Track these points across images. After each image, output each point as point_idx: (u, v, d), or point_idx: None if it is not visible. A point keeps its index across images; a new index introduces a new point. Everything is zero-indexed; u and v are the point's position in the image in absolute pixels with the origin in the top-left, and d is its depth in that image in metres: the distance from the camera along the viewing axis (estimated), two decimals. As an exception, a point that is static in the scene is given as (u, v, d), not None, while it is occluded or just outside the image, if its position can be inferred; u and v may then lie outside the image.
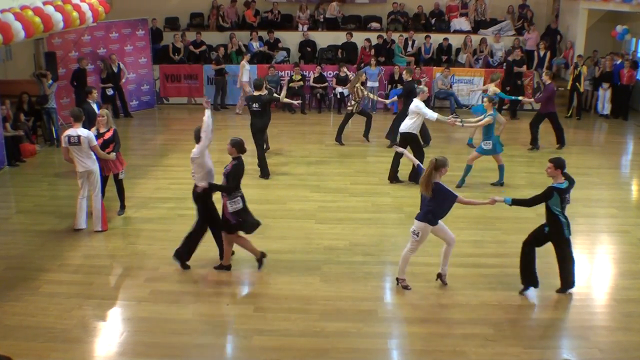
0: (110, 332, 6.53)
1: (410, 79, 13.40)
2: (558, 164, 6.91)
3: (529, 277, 7.18)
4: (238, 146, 7.43)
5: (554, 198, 6.84)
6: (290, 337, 6.41)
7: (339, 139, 13.72)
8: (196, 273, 7.80)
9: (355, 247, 8.54)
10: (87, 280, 7.59)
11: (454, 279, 7.60)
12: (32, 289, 7.30)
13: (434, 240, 8.77)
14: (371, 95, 14.56)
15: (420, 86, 11.57)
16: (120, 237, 8.92)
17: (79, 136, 8.64)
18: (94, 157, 8.85)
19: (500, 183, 11.07)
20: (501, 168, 11.05)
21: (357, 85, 13.36)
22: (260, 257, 7.81)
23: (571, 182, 6.97)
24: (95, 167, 8.87)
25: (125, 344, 6.29)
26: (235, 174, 7.37)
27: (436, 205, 6.98)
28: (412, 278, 7.65)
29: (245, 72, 16.39)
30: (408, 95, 12.74)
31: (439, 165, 6.94)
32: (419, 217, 7.11)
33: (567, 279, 7.17)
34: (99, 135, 9.01)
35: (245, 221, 7.52)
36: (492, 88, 13.47)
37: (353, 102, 13.45)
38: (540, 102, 13.49)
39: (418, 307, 7.00)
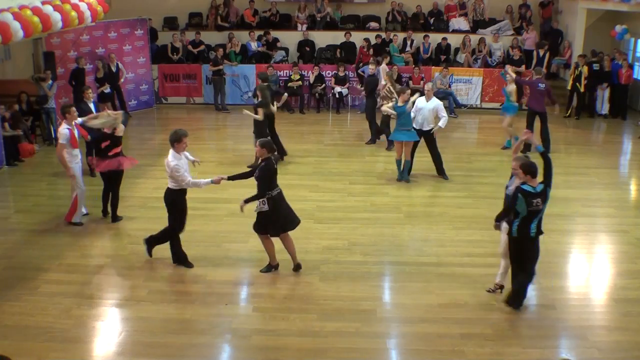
0: (108, 332, 6.53)
1: (374, 73, 13.38)
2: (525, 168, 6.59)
3: None
4: (268, 146, 7.42)
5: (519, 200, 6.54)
6: (288, 336, 6.41)
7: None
8: (194, 273, 7.80)
9: (353, 246, 8.54)
10: (86, 280, 7.59)
11: (453, 278, 7.60)
12: (30, 289, 7.29)
13: (432, 239, 8.80)
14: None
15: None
16: (119, 237, 8.92)
17: (66, 134, 8.90)
18: (73, 153, 8.99)
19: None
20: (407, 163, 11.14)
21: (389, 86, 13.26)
22: (275, 266, 7.77)
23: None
24: (72, 163, 8.96)
25: (123, 344, 6.29)
26: (264, 176, 7.32)
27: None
28: (409, 278, 7.67)
29: (383, 73, 16.21)
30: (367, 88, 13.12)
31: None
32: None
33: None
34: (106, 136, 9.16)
35: (270, 224, 7.46)
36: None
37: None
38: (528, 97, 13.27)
39: (417, 307, 7.00)
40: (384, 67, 16.10)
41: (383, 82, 15.95)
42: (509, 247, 6.85)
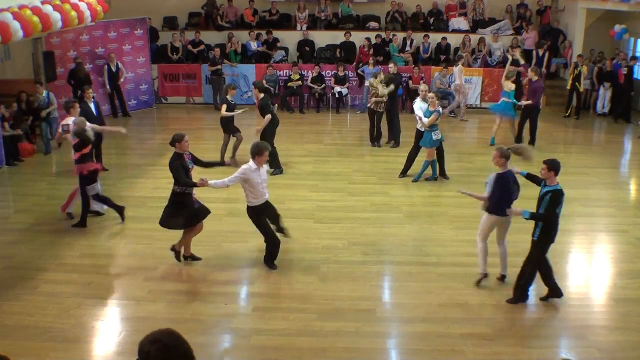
0: (108, 332, 6.53)
1: (396, 71, 13.44)
2: (552, 166, 6.77)
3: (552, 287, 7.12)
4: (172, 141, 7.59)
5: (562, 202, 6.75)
6: (288, 336, 6.41)
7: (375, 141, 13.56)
8: (195, 273, 7.80)
9: (353, 246, 8.54)
10: (86, 279, 7.58)
11: (453, 278, 7.61)
12: (30, 289, 7.30)
13: (431, 239, 8.80)
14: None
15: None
16: (118, 237, 8.92)
17: (68, 125, 9.21)
18: None
19: (434, 177, 11.27)
20: (434, 163, 11.21)
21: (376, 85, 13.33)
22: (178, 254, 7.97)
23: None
24: None
25: (123, 344, 6.28)
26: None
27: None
28: (409, 278, 7.67)
29: (460, 75, 16.19)
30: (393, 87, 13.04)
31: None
32: None
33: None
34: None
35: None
36: (510, 85, 13.39)
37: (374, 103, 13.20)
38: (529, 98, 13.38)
39: (416, 306, 7.01)
40: (460, 68, 16.11)
41: (458, 82, 16.01)
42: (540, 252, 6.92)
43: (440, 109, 11.14)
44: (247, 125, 12.50)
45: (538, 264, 6.93)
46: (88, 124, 9.21)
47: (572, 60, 17.00)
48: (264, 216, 7.78)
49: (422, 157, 11.42)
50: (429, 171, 11.24)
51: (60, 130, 9.38)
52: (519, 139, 13.26)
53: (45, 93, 12.92)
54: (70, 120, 9.30)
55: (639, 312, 6.92)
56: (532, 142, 13.23)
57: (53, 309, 6.85)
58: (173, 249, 7.92)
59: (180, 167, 7.49)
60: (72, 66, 14.80)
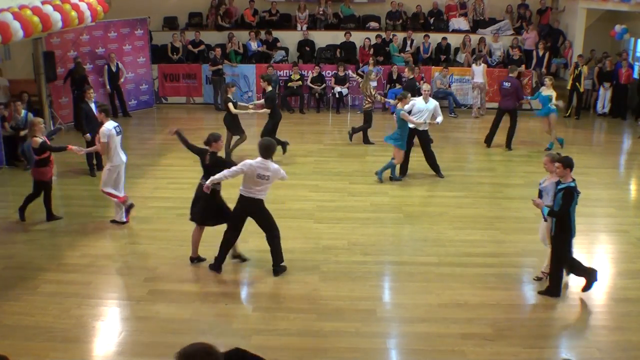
0: (108, 332, 6.53)
1: (412, 76, 13.51)
2: (567, 164, 6.87)
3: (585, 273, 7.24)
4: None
5: (575, 198, 6.85)
6: (288, 336, 6.41)
7: (366, 140, 13.77)
8: (195, 273, 7.80)
9: (353, 246, 8.54)
10: (86, 279, 7.58)
11: (453, 278, 7.61)
12: (30, 289, 7.29)
13: (431, 239, 8.80)
14: (378, 97, 13.92)
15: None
16: (118, 237, 8.91)
17: (118, 125, 9.12)
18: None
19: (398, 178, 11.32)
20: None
21: (367, 84, 13.47)
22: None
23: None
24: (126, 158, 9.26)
25: (123, 344, 6.29)
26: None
27: None
28: (409, 278, 7.67)
29: (481, 74, 16.26)
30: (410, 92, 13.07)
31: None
32: None
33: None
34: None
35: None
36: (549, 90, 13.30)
37: (368, 102, 13.50)
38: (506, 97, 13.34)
39: (416, 306, 7.00)
40: (483, 67, 16.14)
41: (481, 81, 16.08)
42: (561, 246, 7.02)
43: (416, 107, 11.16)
44: (247, 125, 12.50)
45: (561, 259, 7.03)
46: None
47: (572, 60, 17.01)
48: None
49: (420, 156, 11.44)
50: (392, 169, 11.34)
51: (102, 139, 8.85)
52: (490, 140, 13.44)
53: (23, 113, 11.92)
54: (110, 125, 8.89)
55: (639, 312, 6.92)
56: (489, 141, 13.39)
57: (53, 308, 6.85)
58: (191, 259, 7.96)
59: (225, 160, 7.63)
60: (72, 66, 14.80)
